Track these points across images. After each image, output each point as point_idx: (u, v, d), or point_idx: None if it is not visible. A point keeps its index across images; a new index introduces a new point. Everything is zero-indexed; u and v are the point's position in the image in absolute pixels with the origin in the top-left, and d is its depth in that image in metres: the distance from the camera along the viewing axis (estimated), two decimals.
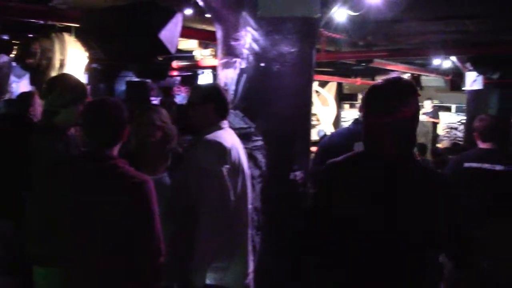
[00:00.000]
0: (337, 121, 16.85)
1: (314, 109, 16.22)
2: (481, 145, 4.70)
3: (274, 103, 4.30)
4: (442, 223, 2.24)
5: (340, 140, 3.99)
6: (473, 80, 10.70)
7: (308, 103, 4.69)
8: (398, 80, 2.29)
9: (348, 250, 2.34)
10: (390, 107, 2.21)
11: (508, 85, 10.58)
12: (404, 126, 2.25)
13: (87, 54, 6.85)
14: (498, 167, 4.47)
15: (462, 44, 9.02)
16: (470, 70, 10.61)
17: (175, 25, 5.39)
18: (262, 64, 4.27)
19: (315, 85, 15.96)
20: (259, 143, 4.11)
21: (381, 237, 2.25)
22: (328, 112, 16.73)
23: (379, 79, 2.36)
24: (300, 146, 4.45)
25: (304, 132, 4.58)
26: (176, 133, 3.44)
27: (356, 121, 4.03)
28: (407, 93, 2.26)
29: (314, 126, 16.19)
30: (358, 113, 4.11)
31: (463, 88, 11.34)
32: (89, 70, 7.75)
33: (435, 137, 13.43)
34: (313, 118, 16.32)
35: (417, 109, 2.31)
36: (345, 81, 16.67)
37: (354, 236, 2.31)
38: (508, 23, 7.64)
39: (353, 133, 3.94)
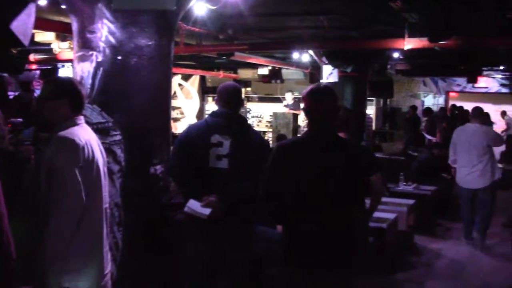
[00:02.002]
0: (200, 114, 16.93)
1: (177, 102, 16.23)
2: None
3: (132, 97, 4.26)
4: (363, 172, 3.36)
5: (197, 133, 4.00)
6: (329, 73, 11.22)
7: (167, 97, 4.69)
8: (324, 85, 3.47)
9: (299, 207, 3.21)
10: (329, 99, 3.30)
11: (360, 78, 11.21)
12: (335, 111, 3.35)
13: None
14: None
15: (316, 39, 9.41)
16: (326, 64, 11.10)
17: (27, 16, 5.16)
18: (119, 57, 4.22)
19: (178, 79, 15.98)
20: (118, 137, 4.06)
21: (331, 187, 3.19)
22: (192, 105, 16.83)
23: (310, 87, 3.39)
24: (160, 140, 4.45)
25: (164, 126, 4.58)
26: (7, 132, 3.26)
27: (213, 114, 4.06)
28: (333, 91, 3.38)
29: (178, 119, 16.19)
30: (216, 106, 4.15)
31: (320, 81, 11.81)
32: None
33: (296, 128, 13.84)
34: (177, 111, 16.33)
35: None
36: (208, 74, 16.81)
37: (305, 194, 3.18)
38: (357, 20, 8.08)
39: (210, 126, 3.97)
